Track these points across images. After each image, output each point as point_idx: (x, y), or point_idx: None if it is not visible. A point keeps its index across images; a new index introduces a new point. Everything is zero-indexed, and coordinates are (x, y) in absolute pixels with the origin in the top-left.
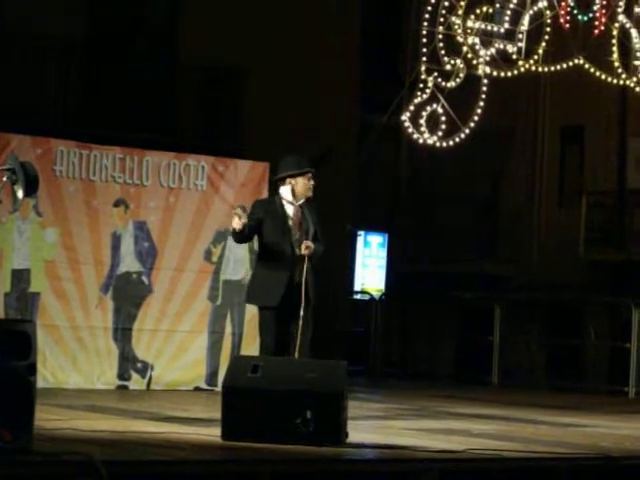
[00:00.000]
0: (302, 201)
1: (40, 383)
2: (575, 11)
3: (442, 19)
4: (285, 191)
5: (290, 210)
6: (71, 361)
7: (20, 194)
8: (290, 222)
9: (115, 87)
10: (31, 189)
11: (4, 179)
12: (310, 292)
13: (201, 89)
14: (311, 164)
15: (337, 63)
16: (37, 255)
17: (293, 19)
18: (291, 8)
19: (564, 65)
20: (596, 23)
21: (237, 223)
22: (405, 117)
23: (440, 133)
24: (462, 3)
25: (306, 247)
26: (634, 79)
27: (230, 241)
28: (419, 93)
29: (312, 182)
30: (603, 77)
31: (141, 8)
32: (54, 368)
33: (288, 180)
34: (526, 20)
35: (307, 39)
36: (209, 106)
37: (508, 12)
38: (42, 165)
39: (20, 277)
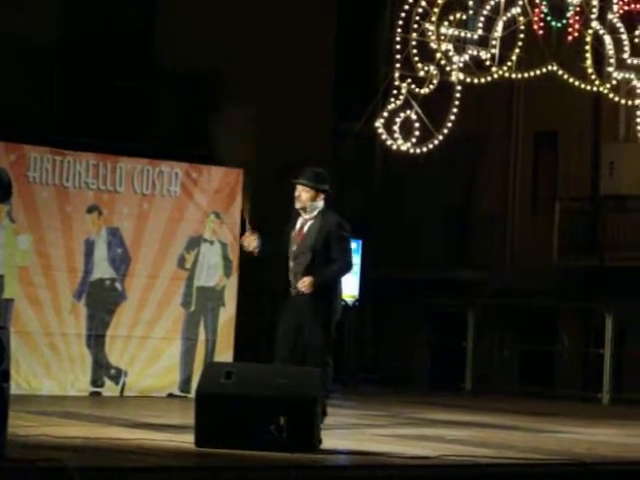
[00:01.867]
0: (313, 213)
1: (13, 389)
2: (549, 18)
3: (416, 25)
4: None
5: (299, 222)
6: (44, 368)
7: None
8: (293, 234)
9: (90, 93)
10: (5, 195)
11: None
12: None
13: (176, 95)
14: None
15: (311, 69)
16: (10, 261)
17: (268, 25)
18: (266, 14)
19: (537, 72)
20: (570, 30)
21: (251, 247)
22: (379, 123)
23: (414, 139)
24: (436, 10)
25: (303, 285)
26: (607, 85)
27: (204, 248)
28: (393, 99)
29: (296, 193)
30: (577, 83)
31: (117, 14)
32: (27, 375)
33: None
34: (499, 27)
35: (282, 45)
36: (183, 112)
37: (481, 19)
38: (16, 171)
39: None
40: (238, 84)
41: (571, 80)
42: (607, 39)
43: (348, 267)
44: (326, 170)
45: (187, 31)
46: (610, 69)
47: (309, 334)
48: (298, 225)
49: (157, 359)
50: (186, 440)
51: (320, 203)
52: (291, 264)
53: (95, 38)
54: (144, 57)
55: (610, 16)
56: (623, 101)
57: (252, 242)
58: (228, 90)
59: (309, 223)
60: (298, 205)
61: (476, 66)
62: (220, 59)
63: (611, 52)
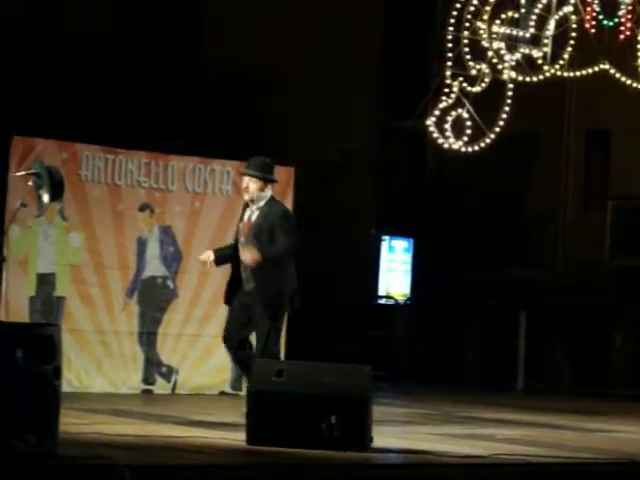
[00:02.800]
0: (260, 203)
1: (65, 387)
2: (600, 16)
3: (468, 24)
4: None
5: (247, 214)
6: (96, 365)
7: (46, 198)
8: (240, 226)
9: (141, 92)
10: (56, 193)
11: (29, 183)
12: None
13: (227, 93)
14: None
15: (362, 68)
16: (62, 259)
17: (318, 23)
18: (316, 12)
19: (589, 70)
20: (622, 28)
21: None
22: (430, 122)
23: (465, 138)
24: (487, 8)
25: (245, 257)
26: None
27: None
28: (444, 98)
29: (243, 184)
30: (629, 82)
31: (167, 13)
32: (79, 372)
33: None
34: (551, 25)
35: (332, 44)
36: (234, 111)
37: (533, 17)
38: (68, 169)
39: (45, 281)
40: (288, 82)
41: (623, 78)
42: None
43: (291, 247)
44: (379, 169)
45: (236, 29)
46: None
47: (258, 325)
48: (246, 216)
49: (209, 357)
50: (238, 438)
51: (268, 193)
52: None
53: (145, 37)
54: (194, 55)
55: None
56: None
57: (204, 255)
58: (278, 88)
59: (256, 213)
60: (246, 197)
61: (528, 65)
62: (270, 57)
63: None
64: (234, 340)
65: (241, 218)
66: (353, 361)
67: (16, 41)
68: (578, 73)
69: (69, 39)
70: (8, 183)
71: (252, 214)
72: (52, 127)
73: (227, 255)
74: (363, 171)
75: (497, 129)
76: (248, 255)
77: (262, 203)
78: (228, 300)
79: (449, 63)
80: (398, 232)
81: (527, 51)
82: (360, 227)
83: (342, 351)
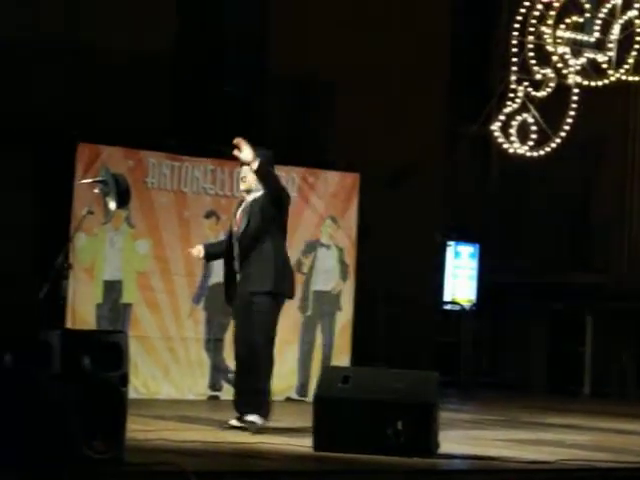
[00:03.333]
0: (256, 194)
1: (132, 394)
2: None
3: (532, 29)
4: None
5: (242, 205)
6: (163, 372)
7: (112, 206)
8: (235, 219)
9: (206, 99)
10: (123, 201)
11: (96, 191)
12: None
13: (291, 100)
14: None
15: (426, 73)
16: (129, 266)
17: (381, 29)
18: (380, 17)
19: None
20: None
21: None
22: (495, 127)
23: (530, 143)
24: (552, 13)
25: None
26: None
27: (320, 252)
28: (509, 103)
29: (242, 174)
30: None
31: (231, 20)
32: (146, 379)
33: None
34: (616, 29)
35: (396, 48)
36: (299, 117)
37: (598, 22)
38: (134, 177)
39: (112, 288)
40: (352, 88)
41: None
42: None
43: (282, 189)
44: (444, 174)
45: (304, 36)
46: None
47: (256, 310)
48: (241, 208)
49: (275, 363)
50: (304, 444)
51: None
52: (236, 249)
53: (209, 44)
54: (258, 62)
55: None
56: None
57: (195, 250)
58: (344, 94)
59: (251, 205)
60: (243, 187)
61: (593, 69)
62: (333, 63)
63: None
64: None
65: (235, 212)
66: (419, 367)
67: (81, 49)
68: None
69: (133, 46)
70: (74, 190)
71: (247, 205)
72: (117, 134)
73: (219, 252)
74: (429, 177)
75: (562, 134)
76: (247, 151)
77: (258, 194)
78: (230, 300)
79: (514, 68)
80: (464, 237)
81: (592, 56)
82: (426, 233)
83: (408, 357)
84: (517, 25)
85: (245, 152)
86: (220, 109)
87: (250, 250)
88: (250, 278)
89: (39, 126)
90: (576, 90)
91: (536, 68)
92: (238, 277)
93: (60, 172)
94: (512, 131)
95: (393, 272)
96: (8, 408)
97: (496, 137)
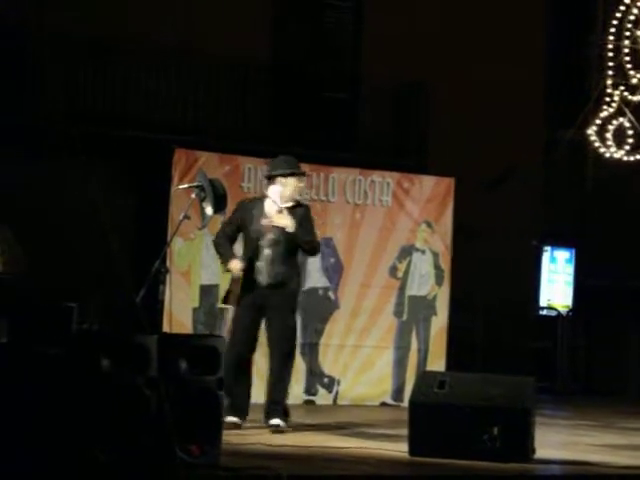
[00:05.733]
0: (289, 204)
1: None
2: None
3: (628, 33)
4: (273, 191)
5: (272, 211)
6: (259, 376)
7: (209, 211)
8: (264, 222)
9: (300, 105)
10: (220, 206)
11: (193, 196)
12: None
13: (385, 105)
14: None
15: (522, 78)
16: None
17: (476, 35)
18: (474, 23)
19: None
20: None
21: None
22: (592, 131)
23: (627, 147)
24: None
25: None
26: None
27: (415, 257)
28: (605, 107)
29: (302, 184)
30: None
31: (324, 25)
32: None
33: (279, 179)
34: None
35: (491, 54)
36: (393, 122)
37: None
38: (230, 182)
39: (208, 292)
40: (447, 94)
41: None
42: None
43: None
44: (541, 179)
45: (394, 42)
46: None
47: (280, 320)
48: (273, 212)
49: (370, 368)
50: (400, 449)
51: None
52: (266, 252)
53: (304, 50)
54: (352, 68)
55: None
56: None
57: (238, 264)
58: (438, 98)
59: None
60: (298, 197)
61: None
62: (429, 68)
63: None
64: None
65: (259, 215)
66: (516, 373)
67: (175, 59)
68: None
69: (228, 54)
70: (171, 195)
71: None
72: (214, 140)
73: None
74: (526, 181)
75: None
76: (287, 220)
77: (290, 203)
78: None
79: (609, 72)
80: (560, 243)
81: None
82: (523, 238)
83: (505, 362)
84: (613, 29)
85: (286, 222)
86: (316, 115)
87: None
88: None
89: (138, 132)
90: None
91: (632, 72)
92: (263, 279)
93: (158, 178)
94: (608, 135)
95: (489, 277)
96: (106, 411)
97: (592, 141)
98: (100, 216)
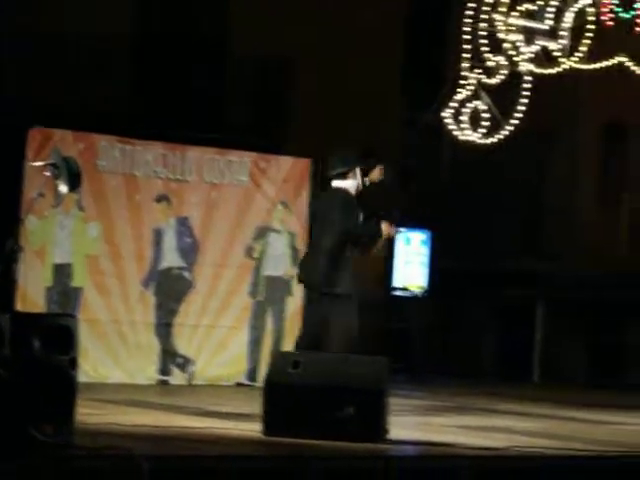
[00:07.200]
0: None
1: (81, 377)
2: (618, 9)
3: (485, 16)
4: (352, 184)
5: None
6: (112, 356)
7: (63, 189)
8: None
9: (160, 81)
10: (74, 184)
11: (47, 174)
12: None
13: (248, 83)
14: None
15: (380, 60)
16: (79, 250)
17: (337, 12)
18: (337, 2)
19: (607, 63)
20: (638, 21)
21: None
22: (447, 114)
23: (482, 130)
24: (505, 0)
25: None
26: None
27: (271, 237)
28: (461, 90)
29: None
30: None
31: (190, 1)
32: (95, 363)
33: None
34: (568, 18)
35: (350, 33)
36: (255, 101)
37: (551, 10)
38: (85, 160)
39: (62, 272)
40: (307, 72)
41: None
42: None
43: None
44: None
45: (262, 17)
46: None
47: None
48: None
49: (225, 348)
50: (254, 429)
51: None
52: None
53: (167, 23)
54: (216, 46)
55: None
56: None
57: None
58: (297, 78)
59: None
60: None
61: (545, 57)
62: (290, 46)
63: None
64: None
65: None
66: (370, 353)
67: (39, 34)
68: (595, 66)
69: (87, 33)
70: (25, 173)
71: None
72: (69, 118)
73: None
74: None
75: (514, 121)
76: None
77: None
78: None
79: (466, 55)
80: (415, 224)
81: (544, 43)
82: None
83: (359, 343)
84: (470, 12)
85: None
86: (172, 93)
87: None
88: None
89: None
90: (528, 78)
91: (488, 55)
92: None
93: (11, 155)
94: (463, 118)
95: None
96: None
97: (447, 124)
98: None
